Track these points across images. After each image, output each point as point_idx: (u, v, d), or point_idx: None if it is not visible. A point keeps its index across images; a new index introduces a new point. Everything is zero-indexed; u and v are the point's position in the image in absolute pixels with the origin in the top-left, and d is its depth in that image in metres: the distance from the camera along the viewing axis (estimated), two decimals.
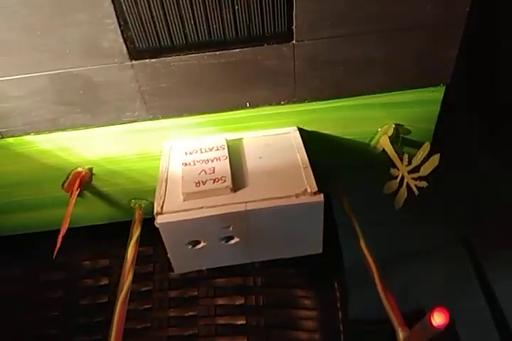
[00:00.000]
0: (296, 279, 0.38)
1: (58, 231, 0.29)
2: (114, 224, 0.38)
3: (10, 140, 0.29)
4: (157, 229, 0.25)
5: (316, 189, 0.25)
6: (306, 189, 0.25)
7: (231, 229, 0.25)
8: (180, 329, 0.40)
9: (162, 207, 0.25)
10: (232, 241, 0.26)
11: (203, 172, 0.26)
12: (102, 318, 0.41)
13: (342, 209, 0.32)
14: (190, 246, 0.26)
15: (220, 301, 0.40)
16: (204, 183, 0.26)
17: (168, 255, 0.27)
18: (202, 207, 0.25)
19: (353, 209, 0.31)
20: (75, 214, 0.34)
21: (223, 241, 0.26)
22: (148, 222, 0.36)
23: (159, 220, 0.25)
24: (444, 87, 0.29)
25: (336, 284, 0.35)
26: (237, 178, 0.26)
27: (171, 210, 0.25)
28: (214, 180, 0.26)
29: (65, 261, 0.43)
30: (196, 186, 0.25)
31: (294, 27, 0.25)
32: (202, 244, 0.26)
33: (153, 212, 0.25)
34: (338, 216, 0.40)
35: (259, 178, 0.26)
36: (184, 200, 0.25)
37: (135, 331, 0.41)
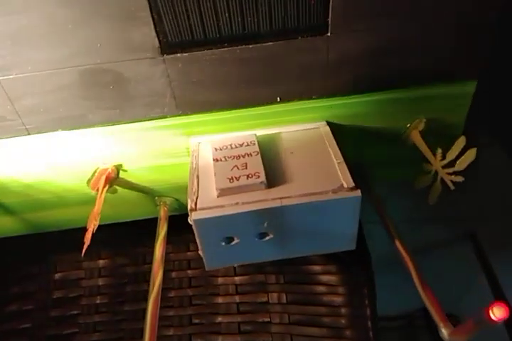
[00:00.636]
0: (320, 276, 0.37)
1: (83, 229, 0.28)
2: (131, 222, 0.37)
3: (36, 136, 0.28)
4: (177, 227, 0.24)
5: (352, 184, 0.25)
6: (342, 184, 0.25)
7: (266, 225, 0.25)
8: (201, 327, 0.40)
9: (196, 203, 0.25)
10: (267, 238, 0.26)
11: (236, 168, 0.26)
12: (123, 316, 0.41)
13: (370, 205, 0.31)
14: (223, 243, 0.26)
15: (241, 299, 0.40)
16: (238, 179, 0.25)
17: (200, 252, 0.26)
18: (237, 203, 0.24)
19: (383, 206, 0.30)
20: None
21: (257, 238, 0.26)
22: (170, 219, 0.35)
23: (194, 216, 0.24)
24: (475, 82, 0.29)
25: (363, 280, 0.35)
26: (270, 174, 0.26)
27: (206, 206, 0.25)
28: (247, 176, 0.25)
29: (84, 260, 0.43)
30: (230, 182, 0.25)
31: (329, 19, 0.24)
32: (236, 241, 0.26)
33: (179, 209, 0.24)
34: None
35: (292, 174, 0.26)
36: (218, 196, 0.25)
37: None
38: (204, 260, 0.27)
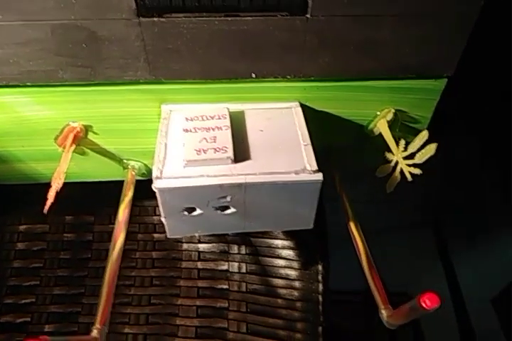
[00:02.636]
0: (280, 250, 0.39)
1: (48, 185, 0.28)
2: (103, 183, 0.37)
3: (4, 89, 0.27)
4: (146, 191, 0.24)
5: (316, 167, 0.25)
6: (305, 166, 0.25)
7: (228, 199, 0.25)
8: (161, 289, 0.41)
9: (162, 171, 0.25)
10: (228, 211, 0.26)
11: (204, 140, 0.26)
12: (84, 273, 0.42)
13: (332, 186, 0.32)
14: (185, 213, 0.26)
15: (203, 265, 0.41)
16: (205, 152, 0.25)
17: (162, 219, 0.27)
18: (202, 175, 0.25)
19: (344, 189, 0.31)
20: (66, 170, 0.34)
21: (219, 211, 0.26)
22: (138, 183, 0.35)
23: (158, 185, 0.24)
24: (446, 79, 0.29)
25: (319, 257, 0.36)
26: (238, 150, 0.26)
27: (171, 176, 0.25)
28: (215, 150, 0.25)
29: (49, 215, 0.43)
30: (197, 154, 0.25)
31: (309, 1, 0.24)
32: (198, 212, 0.26)
33: (147, 174, 0.25)
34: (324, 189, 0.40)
35: (259, 151, 0.26)
36: (185, 167, 0.25)
37: (117, 287, 0.42)
38: (166, 228, 0.27)
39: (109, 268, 0.27)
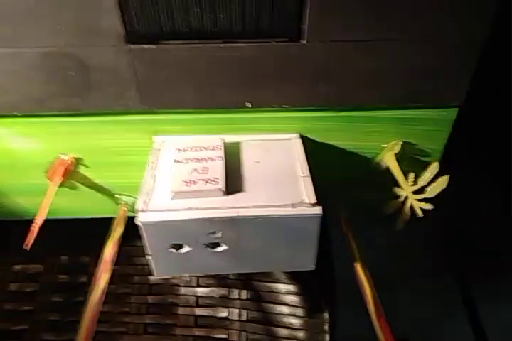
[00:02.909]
0: (284, 296, 0.35)
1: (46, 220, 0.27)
2: (99, 220, 0.36)
3: None
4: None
5: (314, 200, 0.23)
6: (303, 199, 0.23)
7: (219, 235, 0.23)
8: (156, 338, 0.38)
9: (147, 204, 0.23)
10: (219, 249, 0.24)
11: (195, 171, 0.24)
12: (76, 318, 0.39)
13: (338, 226, 0.30)
14: (173, 250, 0.24)
15: (201, 312, 0.38)
16: (195, 183, 0.24)
17: (148, 257, 0.25)
18: (190, 208, 0.23)
19: (351, 228, 0.28)
20: (57, 206, 0.32)
21: (209, 248, 0.24)
22: (133, 222, 0.34)
23: (142, 218, 0.22)
24: (456, 109, 0.27)
25: (324, 305, 0.33)
26: (231, 181, 0.24)
27: (156, 209, 0.23)
28: (206, 181, 0.24)
29: (43, 255, 0.41)
30: (186, 185, 0.23)
31: (305, 26, 0.23)
32: (186, 249, 0.24)
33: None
34: (332, 231, 0.38)
35: (254, 184, 0.24)
36: (172, 199, 0.23)
37: (109, 334, 0.39)
38: (151, 266, 0.25)
39: (89, 312, 0.24)
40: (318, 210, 0.23)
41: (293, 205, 0.23)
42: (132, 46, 0.23)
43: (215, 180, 0.24)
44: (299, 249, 0.25)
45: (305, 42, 0.23)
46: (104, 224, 0.35)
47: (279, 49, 0.24)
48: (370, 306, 0.24)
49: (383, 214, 0.30)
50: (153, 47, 0.23)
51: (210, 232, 0.23)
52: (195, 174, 0.24)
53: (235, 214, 0.23)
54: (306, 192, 0.24)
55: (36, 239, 0.39)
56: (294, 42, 0.23)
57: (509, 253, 0.73)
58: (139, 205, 0.23)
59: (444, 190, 0.24)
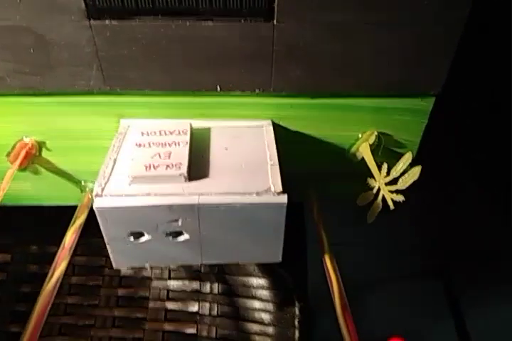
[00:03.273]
0: (256, 290, 0.34)
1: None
2: (68, 208, 0.34)
3: None
4: None
5: (280, 189, 0.22)
6: (269, 187, 0.22)
7: (180, 223, 0.22)
8: (123, 331, 0.37)
9: (103, 188, 0.22)
10: (181, 238, 0.23)
11: (157, 155, 0.23)
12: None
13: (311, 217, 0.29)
14: (131, 239, 0.23)
15: (172, 306, 0.37)
16: (156, 168, 0.22)
17: (107, 246, 0.23)
18: (149, 194, 0.22)
19: (323, 221, 0.27)
20: (21, 191, 0.31)
21: (170, 237, 0.23)
22: None
23: (97, 204, 0.21)
24: (433, 98, 0.26)
25: (296, 300, 0.32)
26: (195, 167, 0.23)
27: (113, 193, 0.22)
28: (168, 166, 0.22)
29: (10, 244, 0.40)
30: (146, 170, 0.22)
31: (275, 5, 0.21)
32: (146, 237, 0.23)
33: None
34: (310, 227, 0.36)
35: (220, 171, 0.23)
36: (130, 184, 0.22)
37: (76, 327, 0.38)
38: (111, 257, 0.24)
39: (41, 300, 0.23)
40: (283, 199, 0.22)
41: (258, 193, 0.22)
42: (93, 21, 0.22)
43: (178, 165, 0.23)
44: (265, 240, 0.23)
45: (275, 22, 0.22)
46: (73, 213, 0.33)
47: (248, 29, 0.22)
48: (335, 299, 0.23)
49: (360, 207, 0.29)
50: (116, 23, 0.22)
51: (170, 220, 0.22)
52: (157, 158, 0.23)
53: (195, 202, 0.21)
54: (273, 181, 0.22)
55: (4, 228, 0.38)
56: (264, 23, 0.22)
57: (495, 254, 0.73)
58: (95, 189, 0.22)
59: (416, 182, 0.23)
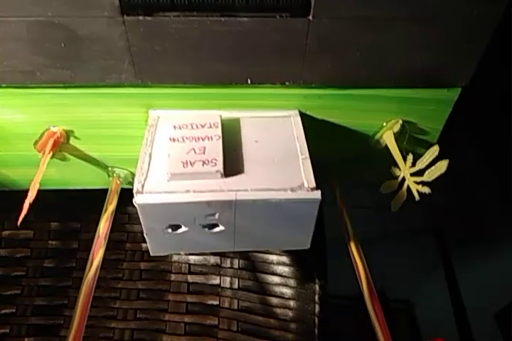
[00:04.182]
0: (276, 266, 0.36)
1: (25, 194, 0.26)
2: (88, 190, 0.35)
3: None
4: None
5: (314, 184, 0.23)
6: (303, 183, 0.23)
7: (216, 217, 0.23)
8: (148, 303, 0.39)
9: (143, 185, 0.23)
10: (216, 229, 0.24)
11: (193, 151, 0.24)
12: (68, 283, 0.39)
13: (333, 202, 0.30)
14: (169, 230, 0.24)
15: (193, 279, 0.39)
16: (192, 164, 0.23)
17: (145, 236, 0.25)
18: (188, 191, 0.22)
19: (345, 206, 0.28)
20: (46, 176, 0.32)
21: (206, 229, 0.24)
22: (125, 192, 0.33)
23: (139, 200, 0.22)
24: (459, 89, 0.26)
25: (316, 276, 0.33)
26: (229, 162, 0.24)
27: (153, 190, 0.22)
28: (204, 162, 0.23)
29: (32, 220, 0.41)
30: (184, 167, 0.23)
31: (312, 1, 0.21)
32: (183, 229, 0.24)
33: (132, 187, 0.22)
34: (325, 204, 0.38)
35: (252, 165, 0.24)
36: (169, 181, 0.23)
37: (102, 299, 0.40)
38: (148, 245, 0.25)
39: (85, 287, 0.25)
40: (317, 195, 0.22)
41: (292, 189, 0.23)
42: (127, 17, 0.22)
43: (213, 161, 0.23)
44: (296, 230, 0.25)
45: (311, 17, 0.22)
46: (92, 192, 0.34)
47: (283, 24, 0.22)
48: (362, 284, 0.24)
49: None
50: (149, 18, 0.22)
51: (207, 214, 0.23)
52: (193, 154, 0.24)
53: (233, 198, 0.22)
54: (306, 176, 0.23)
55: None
56: (299, 18, 0.22)
57: (486, 213, 0.75)
58: (135, 186, 0.23)
59: (442, 175, 0.24)
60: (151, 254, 0.26)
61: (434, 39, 0.23)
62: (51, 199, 0.40)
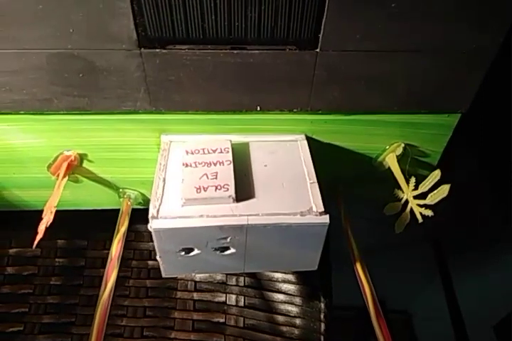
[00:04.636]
0: (281, 284, 0.37)
1: (41, 212, 0.27)
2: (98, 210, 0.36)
3: None
4: (142, 217, 0.23)
5: (322, 209, 0.24)
6: (311, 207, 0.24)
7: (228, 240, 0.24)
8: (154, 320, 0.39)
9: (158, 210, 0.23)
10: (228, 252, 0.25)
11: (205, 176, 0.25)
12: (75, 300, 0.40)
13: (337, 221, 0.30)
14: (182, 253, 0.25)
15: (199, 296, 0.39)
16: (205, 190, 0.24)
17: (157, 258, 0.25)
18: (202, 216, 0.23)
19: (350, 226, 0.29)
20: (59, 198, 0.32)
21: (218, 251, 0.25)
22: (134, 210, 0.34)
23: (154, 225, 0.23)
24: (459, 114, 0.28)
25: (321, 294, 0.34)
26: (240, 187, 0.25)
27: (168, 215, 0.23)
28: (216, 187, 0.24)
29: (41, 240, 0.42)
30: (197, 192, 0.24)
31: (320, 35, 0.22)
32: (195, 252, 0.25)
33: (144, 204, 0.23)
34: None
35: (263, 189, 0.25)
36: (183, 206, 0.24)
37: (109, 317, 0.40)
38: (161, 267, 0.26)
39: (100, 308, 0.25)
40: (326, 219, 0.23)
41: (301, 213, 0.23)
42: (144, 50, 0.23)
43: (225, 186, 0.24)
44: (305, 253, 0.25)
45: (318, 50, 0.23)
46: (98, 210, 0.35)
47: (292, 56, 0.23)
48: (369, 305, 0.25)
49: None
50: (165, 51, 0.23)
51: (220, 238, 0.24)
52: (205, 179, 0.24)
53: (245, 222, 0.23)
54: (314, 200, 0.24)
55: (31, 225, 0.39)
56: (307, 51, 0.23)
57: (484, 225, 0.76)
58: (150, 211, 0.23)
59: (444, 198, 0.25)
60: (164, 276, 0.26)
61: (434, 69, 0.25)
62: (57, 218, 0.41)
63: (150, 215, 0.23)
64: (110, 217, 0.33)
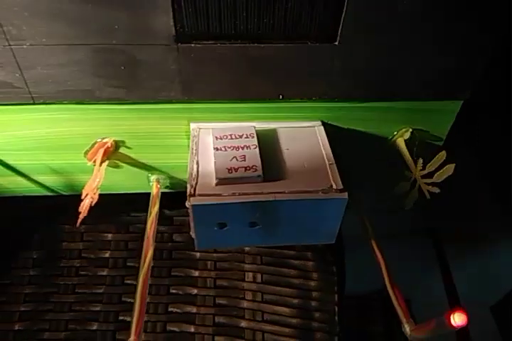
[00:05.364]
0: (296, 261, 0.40)
1: (79, 198, 0.29)
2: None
3: (41, 106, 0.28)
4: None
5: (341, 186, 0.26)
6: (331, 185, 0.26)
7: (257, 215, 0.27)
8: (178, 297, 0.42)
9: (195, 188, 0.26)
10: (257, 227, 0.27)
11: (235, 159, 0.27)
12: (99, 281, 0.43)
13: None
14: (216, 228, 0.27)
15: (219, 274, 0.42)
16: (236, 170, 0.26)
17: (191, 233, 0.28)
18: (234, 193, 0.26)
19: (363, 209, 0.32)
20: None
21: (247, 226, 0.27)
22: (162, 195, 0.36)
23: (192, 202, 0.25)
24: (461, 101, 0.31)
25: (335, 269, 0.37)
26: (266, 168, 0.27)
27: (204, 193, 0.26)
28: (245, 168, 0.27)
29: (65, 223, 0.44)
30: (229, 172, 0.26)
31: (339, 30, 0.25)
32: (227, 227, 0.27)
33: (171, 187, 0.25)
34: None
35: (286, 170, 0.28)
36: (216, 185, 0.26)
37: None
38: (195, 241, 0.28)
39: (141, 281, 0.28)
40: (345, 195, 0.26)
41: (323, 191, 0.26)
42: (181, 45, 0.25)
43: (254, 167, 0.27)
44: (325, 226, 0.28)
45: (337, 43, 0.26)
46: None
47: (313, 49, 0.26)
48: (385, 278, 0.28)
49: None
50: (200, 45, 0.25)
51: (249, 214, 0.26)
52: (235, 161, 0.27)
53: (273, 199, 0.26)
54: (333, 179, 0.27)
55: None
56: (327, 44, 0.26)
57: (482, 217, 0.79)
58: (188, 190, 0.26)
59: (449, 176, 0.28)
60: (197, 248, 0.29)
61: (440, 61, 0.27)
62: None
63: (188, 193, 0.26)
64: (126, 200, 0.35)
